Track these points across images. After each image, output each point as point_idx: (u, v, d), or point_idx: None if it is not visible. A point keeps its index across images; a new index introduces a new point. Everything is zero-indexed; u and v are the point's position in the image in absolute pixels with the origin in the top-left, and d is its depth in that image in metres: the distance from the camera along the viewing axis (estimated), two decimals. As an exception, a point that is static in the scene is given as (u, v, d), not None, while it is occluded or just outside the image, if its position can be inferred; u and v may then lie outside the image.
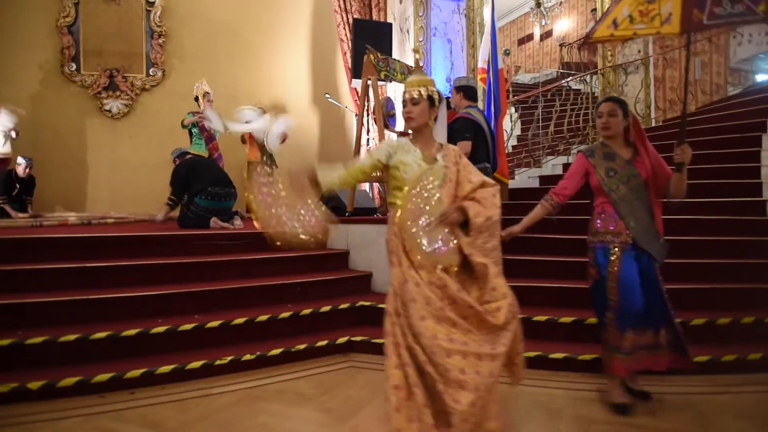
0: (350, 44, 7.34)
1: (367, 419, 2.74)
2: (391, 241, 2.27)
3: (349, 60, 7.37)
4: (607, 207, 2.82)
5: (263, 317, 3.58)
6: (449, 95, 5.52)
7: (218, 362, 3.21)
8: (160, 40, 8.35)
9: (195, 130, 6.31)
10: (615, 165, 2.81)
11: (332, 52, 8.81)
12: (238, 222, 5.21)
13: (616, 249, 2.76)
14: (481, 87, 6.06)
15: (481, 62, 6.17)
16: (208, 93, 6.56)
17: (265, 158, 6.86)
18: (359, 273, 4.50)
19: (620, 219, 2.76)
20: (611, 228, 2.78)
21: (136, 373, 3.00)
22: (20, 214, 6.41)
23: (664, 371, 2.86)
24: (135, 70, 8.26)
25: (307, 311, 3.76)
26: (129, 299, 3.48)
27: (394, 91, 7.45)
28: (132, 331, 3.22)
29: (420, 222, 2.20)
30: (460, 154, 2.34)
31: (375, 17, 7.98)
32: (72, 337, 3.11)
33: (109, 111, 8.10)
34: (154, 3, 8.32)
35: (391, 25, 7.54)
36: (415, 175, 2.24)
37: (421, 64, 7.26)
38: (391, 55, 6.64)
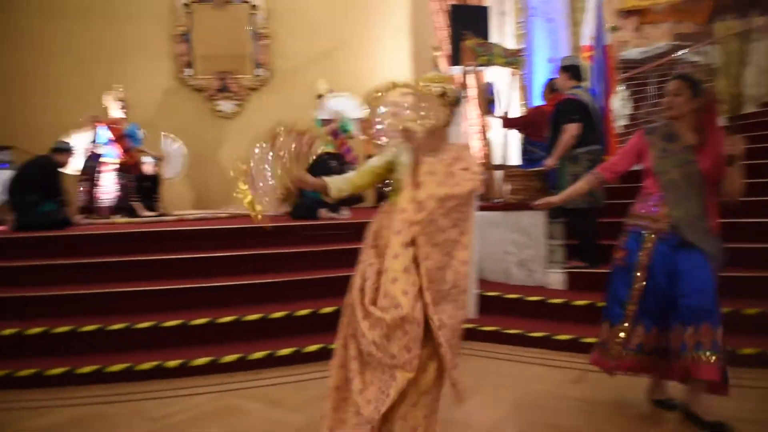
0: (448, 31, 7.29)
1: (478, 407, 2.75)
2: (377, 233, 2.30)
3: (448, 48, 7.32)
4: (654, 189, 2.52)
5: (329, 309, 3.64)
6: (551, 78, 5.36)
7: (333, 346, 3.34)
8: (265, 42, 8.78)
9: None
10: (673, 146, 2.51)
11: (429, 40, 8.79)
12: (345, 212, 5.39)
13: (652, 236, 2.47)
14: (587, 66, 5.80)
15: (587, 40, 5.90)
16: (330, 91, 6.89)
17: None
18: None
19: (664, 205, 2.46)
20: (652, 212, 2.50)
21: (259, 354, 3.23)
22: (147, 212, 6.98)
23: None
24: (243, 71, 8.75)
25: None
26: (250, 286, 3.76)
27: (493, 76, 7.30)
28: (254, 316, 3.47)
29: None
30: (464, 151, 2.14)
31: (471, 2, 7.85)
32: (202, 320, 3.41)
33: (223, 111, 8.66)
34: (257, 7, 8.75)
35: (488, 8, 7.37)
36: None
37: (521, 46, 7.07)
38: (489, 39, 6.52)
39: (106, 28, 8.42)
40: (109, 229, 4.85)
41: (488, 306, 3.97)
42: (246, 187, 2.31)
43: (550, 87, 5.15)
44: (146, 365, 3.10)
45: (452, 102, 2.11)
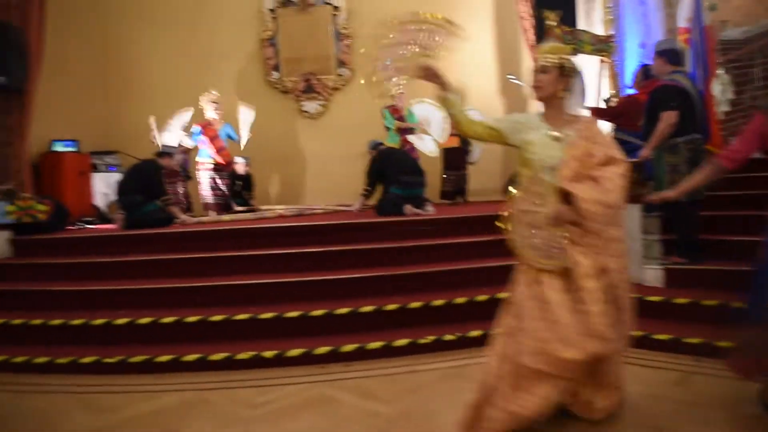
0: (532, 20, 7.10)
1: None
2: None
3: (532, 37, 7.13)
4: None
5: (461, 299, 3.67)
6: (644, 63, 5.08)
7: (421, 341, 3.38)
8: (347, 42, 8.94)
9: (389, 124, 6.77)
10: None
11: (513, 30, 8.60)
12: (429, 208, 5.40)
13: None
14: (684, 49, 5.45)
15: (683, 21, 5.54)
16: (401, 91, 6.93)
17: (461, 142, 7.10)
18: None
19: None
20: None
21: (350, 347, 3.30)
22: (240, 209, 7.35)
23: None
24: (327, 72, 8.95)
25: (504, 294, 3.75)
26: (340, 280, 3.86)
27: (582, 64, 7.03)
28: (345, 310, 3.56)
29: (526, 225, 2.08)
30: (594, 126, 2.11)
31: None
32: (295, 313, 3.54)
33: (308, 112, 8.92)
34: (339, 8, 8.92)
35: (575, -7, 7.12)
36: (541, 153, 2.08)
37: (611, 31, 6.76)
38: (576, 26, 6.29)
39: (198, 35, 8.91)
40: (209, 227, 5.13)
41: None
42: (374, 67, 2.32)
43: (644, 73, 4.88)
44: (244, 354, 3.26)
45: (570, 73, 2.10)
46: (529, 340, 1.96)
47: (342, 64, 8.93)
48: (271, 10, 8.91)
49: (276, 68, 8.94)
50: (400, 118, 6.92)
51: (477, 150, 7.57)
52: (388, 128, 6.94)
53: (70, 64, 7.79)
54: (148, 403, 2.89)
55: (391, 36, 2.27)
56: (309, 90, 8.93)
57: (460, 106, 2.19)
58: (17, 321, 3.74)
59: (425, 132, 7.15)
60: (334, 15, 8.93)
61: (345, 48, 8.92)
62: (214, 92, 7.29)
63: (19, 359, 3.39)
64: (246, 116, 7.62)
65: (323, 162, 8.80)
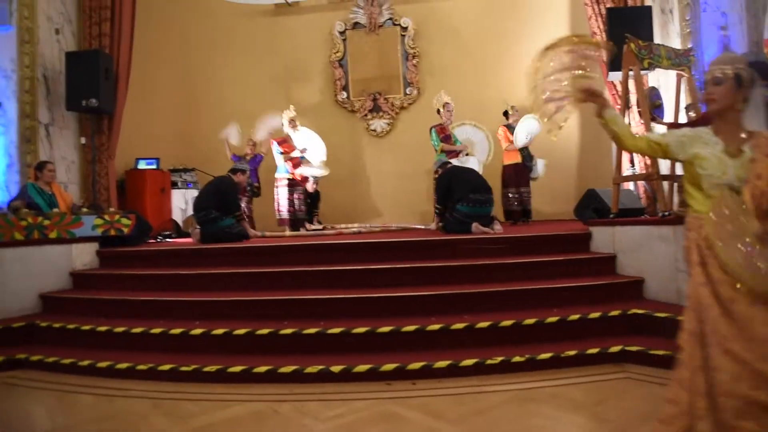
0: (604, 36, 6.95)
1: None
2: (690, 249, 1.98)
3: (603, 53, 6.97)
4: None
5: (530, 320, 3.59)
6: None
7: (489, 362, 3.32)
8: (414, 61, 9.06)
9: (435, 144, 6.82)
10: None
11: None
12: (497, 227, 5.33)
13: None
14: (772, 62, 5.15)
15: (770, 33, 5.25)
16: (447, 103, 6.96)
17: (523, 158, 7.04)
18: (629, 278, 4.20)
19: None
20: None
21: (416, 365, 3.28)
22: (310, 225, 7.54)
23: None
24: (394, 91, 9.10)
25: (575, 317, 3.65)
26: (407, 298, 3.87)
27: (657, 80, 6.79)
28: (411, 327, 3.55)
29: (738, 246, 1.81)
30: None
31: (630, 3, 7.39)
32: (362, 329, 3.56)
33: (374, 130, 9.08)
34: (407, 27, 9.06)
35: (650, 8, 6.90)
36: (715, 169, 1.92)
37: (689, 45, 6.50)
38: (652, 40, 6.09)
39: (272, 59, 9.30)
40: (280, 242, 5.29)
41: (657, 328, 3.66)
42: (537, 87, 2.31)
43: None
44: (313, 368, 3.31)
45: (747, 84, 1.97)
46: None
47: (409, 83, 9.04)
48: (341, 33, 9.18)
49: (344, 88, 9.17)
50: (446, 138, 6.92)
51: (540, 165, 7.35)
52: (435, 148, 6.97)
53: (153, 88, 8.32)
54: (221, 412, 2.98)
55: (550, 65, 2.26)
56: (376, 109, 9.09)
57: (621, 121, 2.17)
58: (102, 328, 3.98)
59: (469, 153, 7.12)
60: (402, 35, 9.08)
61: (412, 67, 9.05)
62: (292, 109, 7.57)
63: (103, 364, 3.60)
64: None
65: (388, 179, 8.92)
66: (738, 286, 1.80)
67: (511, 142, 7.17)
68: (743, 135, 1.97)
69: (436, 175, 6.08)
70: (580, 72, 2.19)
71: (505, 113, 7.53)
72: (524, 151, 7.14)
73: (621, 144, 2.19)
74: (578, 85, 2.16)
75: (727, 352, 1.74)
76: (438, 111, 7.12)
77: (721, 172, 1.91)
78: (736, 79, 1.94)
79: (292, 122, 7.49)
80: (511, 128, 7.27)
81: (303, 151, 7.37)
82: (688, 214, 2.04)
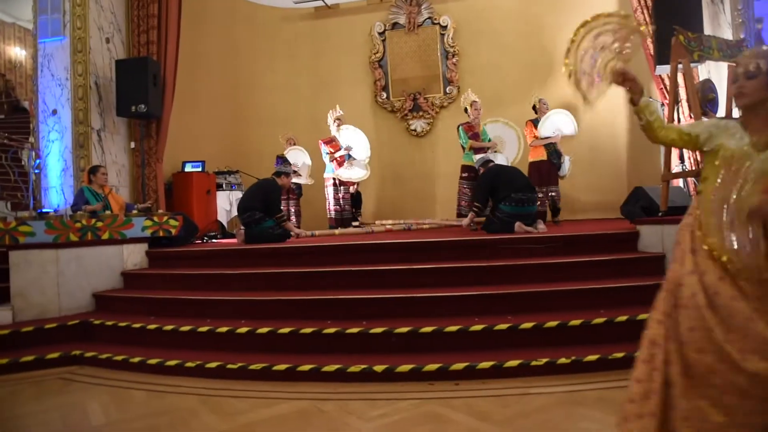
0: (650, 28, 6.74)
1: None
2: (680, 231, 1.97)
3: (650, 46, 6.76)
4: None
5: (576, 321, 3.51)
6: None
7: (534, 363, 3.26)
8: (454, 60, 9.01)
9: (463, 142, 6.80)
10: None
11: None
12: (541, 226, 5.25)
13: None
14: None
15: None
16: (474, 102, 6.89)
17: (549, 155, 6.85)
18: (679, 278, 4.06)
19: None
20: None
21: (459, 366, 3.26)
22: (356, 224, 7.60)
23: None
24: (433, 90, 9.07)
25: (622, 318, 3.56)
26: (450, 298, 3.85)
27: (708, 72, 6.55)
28: (453, 328, 3.53)
29: (723, 217, 1.85)
30: None
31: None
32: (405, 329, 3.56)
33: (414, 130, 9.07)
34: (446, 26, 9.01)
35: (700, -3, 6.67)
36: (734, 155, 1.88)
37: (741, 35, 6.26)
38: (702, 32, 5.88)
39: (314, 62, 9.44)
40: (323, 242, 5.35)
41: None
42: (571, 63, 2.29)
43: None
44: (356, 367, 3.33)
45: None
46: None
47: (449, 81, 9.00)
48: (380, 33, 9.21)
49: (384, 89, 9.20)
50: (474, 136, 6.83)
51: (567, 162, 7.06)
52: (463, 146, 6.89)
53: (199, 93, 8.54)
54: (267, 409, 3.03)
55: (583, 44, 2.23)
56: (416, 109, 9.08)
57: (656, 109, 2.12)
58: (152, 326, 4.11)
59: (498, 150, 6.99)
60: (442, 33, 9.05)
61: (452, 66, 9.00)
62: (339, 109, 7.64)
63: (154, 361, 3.71)
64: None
65: (429, 179, 8.91)
66: (724, 259, 1.81)
67: (536, 137, 6.91)
68: None
69: (463, 175, 6.00)
70: (617, 51, 2.14)
71: (534, 107, 7.27)
72: (550, 147, 6.85)
73: (652, 134, 2.13)
74: (613, 67, 2.13)
75: (711, 340, 1.76)
76: (465, 110, 7.06)
77: (744, 165, 1.88)
78: None
79: (337, 121, 7.57)
80: (536, 123, 7.03)
81: (348, 149, 7.42)
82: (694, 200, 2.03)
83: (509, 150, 7.18)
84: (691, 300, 1.84)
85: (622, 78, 2.10)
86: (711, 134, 1.99)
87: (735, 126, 1.97)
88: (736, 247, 1.82)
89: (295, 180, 7.58)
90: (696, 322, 1.81)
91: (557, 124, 6.83)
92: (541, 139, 6.80)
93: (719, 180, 1.92)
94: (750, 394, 1.71)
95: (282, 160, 7.48)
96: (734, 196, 1.87)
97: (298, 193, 7.85)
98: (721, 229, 1.86)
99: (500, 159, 6.84)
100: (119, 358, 3.85)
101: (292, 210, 7.66)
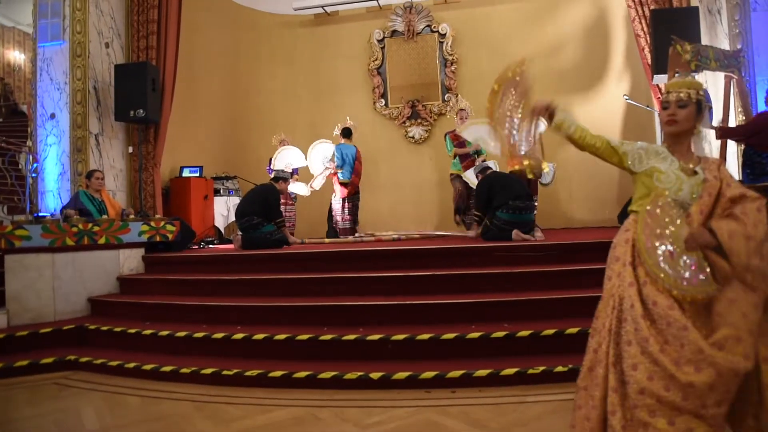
0: (648, 38, 6.80)
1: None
2: (619, 247, 2.05)
3: (648, 56, 6.80)
4: None
5: (573, 330, 3.51)
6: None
7: (530, 371, 3.26)
8: (452, 68, 9.04)
9: (449, 151, 6.84)
10: None
11: (626, 50, 8.27)
12: (538, 234, 5.25)
13: None
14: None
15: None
16: (462, 110, 6.90)
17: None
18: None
19: None
20: None
21: (456, 373, 3.25)
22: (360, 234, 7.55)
23: None
24: (432, 98, 9.09)
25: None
26: (447, 305, 3.85)
27: (705, 82, 6.58)
28: (450, 335, 3.52)
29: (660, 247, 1.91)
30: (720, 165, 1.99)
31: (675, 4, 7.21)
32: (401, 336, 3.55)
33: (413, 137, 9.08)
34: (445, 34, 9.05)
35: (696, 9, 6.70)
36: (672, 184, 1.96)
37: (738, 46, 6.29)
38: (699, 42, 5.92)
39: (313, 69, 9.45)
40: (321, 249, 5.35)
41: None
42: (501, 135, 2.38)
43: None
44: (352, 375, 3.32)
45: (703, 110, 2.05)
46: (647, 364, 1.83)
47: (447, 89, 9.02)
48: (379, 41, 9.24)
49: (383, 96, 9.22)
50: (460, 144, 6.84)
51: (551, 170, 6.92)
52: (449, 154, 6.95)
53: (198, 98, 8.55)
54: (262, 416, 3.02)
55: (501, 109, 2.35)
56: (414, 116, 9.10)
57: (573, 120, 2.16)
58: (147, 331, 4.09)
59: (487, 158, 6.95)
60: (441, 41, 9.08)
61: (450, 74, 9.03)
62: (348, 119, 7.66)
63: (149, 366, 3.69)
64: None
65: (427, 187, 8.91)
66: (660, 287, 1.88)
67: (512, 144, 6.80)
68: (694, 158, 2.04)
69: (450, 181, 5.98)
70: (523, 102, 2.25)
71: None
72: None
73: (579, 145, 2.16)
74: (528, 110, 2.23)
75: (645, 352, 1.80)
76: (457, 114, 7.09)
77: (677, 188, 1.96)
78: (698, 105, 2.00)
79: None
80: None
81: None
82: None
83: (497, 148, 7.03)
84: (629, 312, 1.89)
85: (539, 112, 2.18)
86: (640, 156, 2.06)
87: (663, 150, 2.05)
88: (674, 276, 1.87)
89: (294, 189, 7.56)
90: (632, 335, 1.85)
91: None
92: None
93: (659, 206, 1.97)
94: (684, 409, 1.74)
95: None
96: (671, 228, 1.93)
97: (294, 198, 7.84)
98: (656, 255, 1.91)
99: (491, 164, 6.78)
100: (114, 363, 3.82)
101: (289, 216, 7.65)
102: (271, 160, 7.67)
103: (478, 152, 6.93)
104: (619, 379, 1.87)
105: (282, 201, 7.16)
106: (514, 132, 2.32)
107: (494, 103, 2.36)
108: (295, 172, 7.69)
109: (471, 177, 6.57)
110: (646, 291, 1.90)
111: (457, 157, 6.95)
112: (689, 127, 2.03)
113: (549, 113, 2.17)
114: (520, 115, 2.31)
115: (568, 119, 2.14)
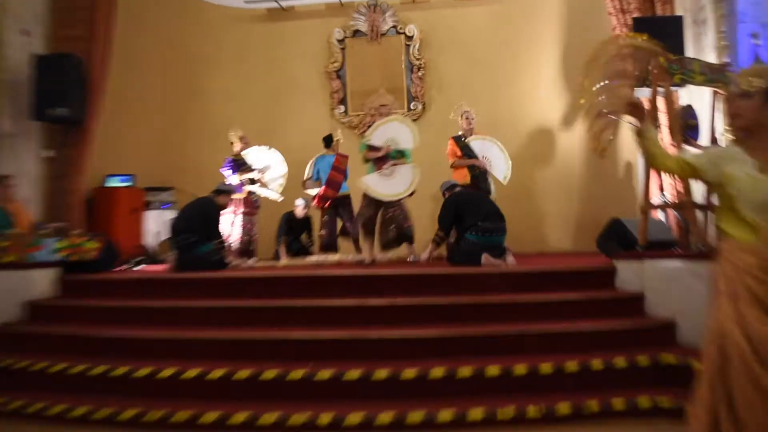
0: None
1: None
2: (729, 278, 2.01)
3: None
4: None
5: (547, 367, 3.48)
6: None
7: (499, 415, 3.21)
8: (420, 73, 9.05)
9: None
10: None
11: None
12: (510, 258, 5.23)
13: None
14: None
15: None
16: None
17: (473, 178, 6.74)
18: (659, 321, 4.10)
19: None
20: None
21: (417, 416, 3.18)
22: (285, 259, 7.23)
23: None
24: (397, 105, 9.06)
25: (598, 365, 3.54)
26: (407, 340, 3.80)
27: (690, 97, 6.77)
28: (411, 373, 3.46)
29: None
30: None
31: (659, 13, 7.43)
32: (356, 374, 3.48)
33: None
34: (412, 37, 9.08)
35: (681, 18, 6.92)
36: (748, 188, 1.96)
37: (725, 59, 6.50)
38: (683, 53, 6.09)
39: (262, 70, 9.32)
40: (265, 273, 5.21)
41: (691, 379, 3.53)
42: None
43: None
44: (298, 417, 3.21)
45: None
46: None
47: (413, 97, 9.03)
48: (340, 41, 9.20)
49: (342, 101, 9.16)
50: (372, 149, 6.81)
51: (492, 187, 6.79)
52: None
53: (132, 98, 8.31)
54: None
55: (597, 79, 2.42)
56: (377, 125, 9.04)
57: (657, 140, 2.25)
58: (57, 367, 3.86)
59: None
60: (407, 45, 9.11)
61: (417, 80, 9.04)
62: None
63: (57, 409, 3.49)
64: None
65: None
66: None
67: (459, 156, 6.70)
68: None
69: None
70: (624, 81, 2.34)
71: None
72: (475, 169, 6.60)
73: (654, 163, 2.26)
74: (623, 97, 2.29)
75: (758, 388, 1.80)
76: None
77: (757, 192, 1.95)
78: (767, 94, 1.95)
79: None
80: (458, 140, 6.81)
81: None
82: (722, 241, 2.10)
83: (497, 170, 6.91)
84: (736, 350, 1.89)
85: (634, 110, 2.23)
86: (713, 163, 2.07)
87: (739, 153, 2.04)
88: None
89: (261, 190, 7.25)
90: (743, 377, 1.85)
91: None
92: (466, 159, 6.72)
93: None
94: None
95: (235, 163, 7.05)
96: None
97: (257, 206, 7.38)
98: None
99: (497, 172, 6.74)
100: (13, 406, 3.58)
101: (246, 228, 7.15)
102: (233, 160, 7.20)
103: (401, 153, 6.80)
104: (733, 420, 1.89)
105: (245, 210, 6.90)
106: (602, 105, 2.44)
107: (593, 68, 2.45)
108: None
109: (370, 182, 6.57)
110: (754, 329, 1.89)
111: (370, 163, 6.80)
112: (756, 119, 1.99)
113: (641, 118, 2.24)
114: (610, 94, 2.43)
115: (654, 136, 2.23)
